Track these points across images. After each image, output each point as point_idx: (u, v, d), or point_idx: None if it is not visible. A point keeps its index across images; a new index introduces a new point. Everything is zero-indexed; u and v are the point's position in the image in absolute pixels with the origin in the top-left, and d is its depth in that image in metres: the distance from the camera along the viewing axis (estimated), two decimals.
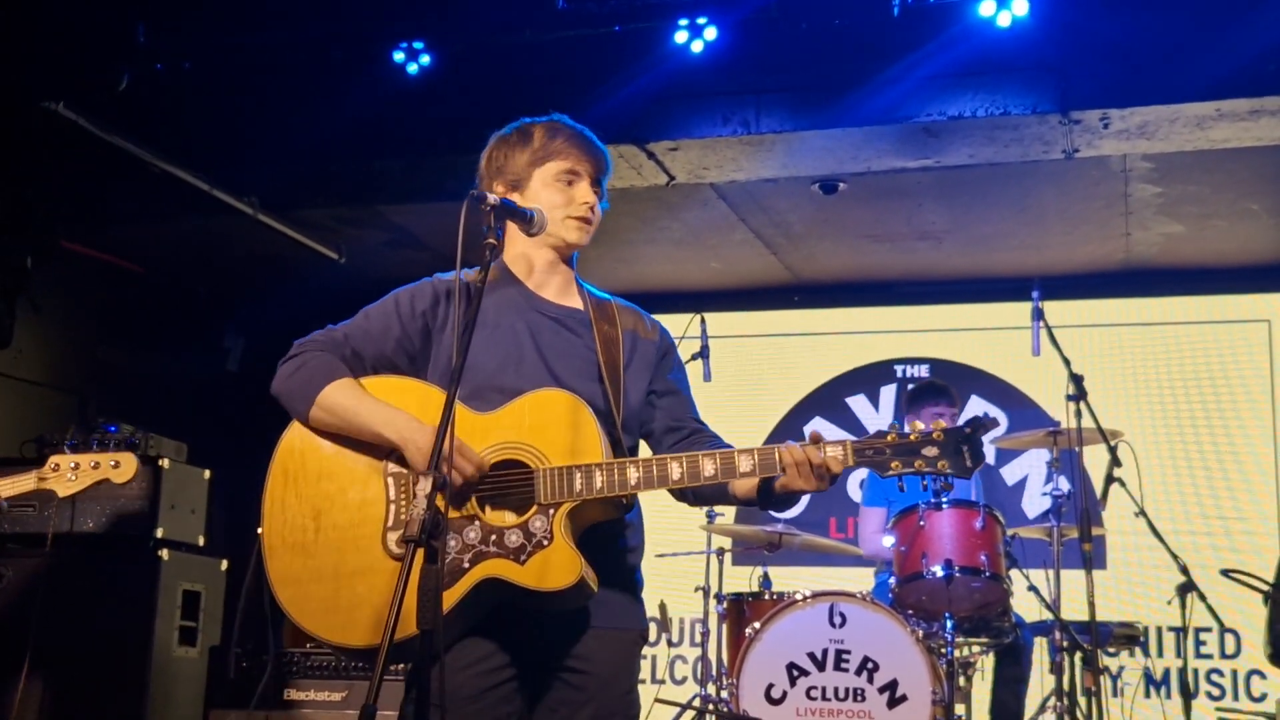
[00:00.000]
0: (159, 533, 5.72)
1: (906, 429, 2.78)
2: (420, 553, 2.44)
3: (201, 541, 6.06)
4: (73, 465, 3.87)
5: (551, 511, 2.75)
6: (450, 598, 2.70)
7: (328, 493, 2.96)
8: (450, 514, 2.69)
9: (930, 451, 2.72)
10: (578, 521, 2.82)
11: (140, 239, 7.78)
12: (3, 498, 3.90)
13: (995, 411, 8.35)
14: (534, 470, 2.79)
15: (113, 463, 3.88)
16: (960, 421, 2.75)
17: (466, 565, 2.74)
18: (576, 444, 2.80)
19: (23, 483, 3.90)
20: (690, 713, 6.29)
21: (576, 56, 6.06)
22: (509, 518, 2.78)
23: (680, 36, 5.96)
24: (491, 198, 2.81)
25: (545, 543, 2.73)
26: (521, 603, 2.77)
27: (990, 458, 8.30)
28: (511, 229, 3.03)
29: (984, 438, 2.76)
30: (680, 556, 6.57)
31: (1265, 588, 3.33)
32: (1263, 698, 7.62)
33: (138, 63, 6.31)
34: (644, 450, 3.06)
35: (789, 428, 8.62)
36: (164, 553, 5.72)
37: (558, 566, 2.71)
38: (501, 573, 2.74)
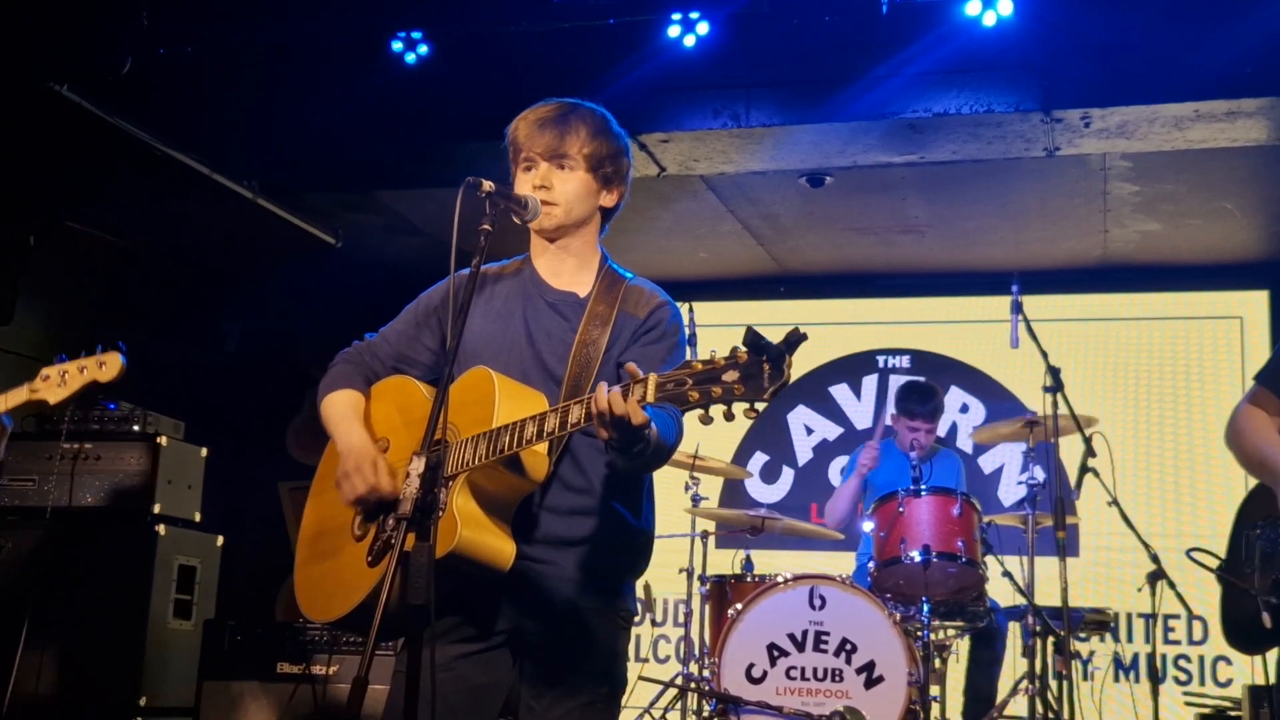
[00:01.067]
0: (156, 508, 5.72)
1: (714, 359, 2.51)
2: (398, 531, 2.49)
3: (197, 517, 6.06)
4: (62, 373, 3.89)
5: (449, 483, 2.74)
6: (376, 575, 2.71)
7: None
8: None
9: (730, 376, 2.44)
10: (489, 494, 2.79)
11: (141, 220, 7.77)
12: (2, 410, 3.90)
13: (973, 402, 8.44)
14: (447, 445, 2.78)
15: (99, 363, 3.88)
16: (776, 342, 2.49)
17: (394, 541, 2.72)
18: (484, 416, 2.77)
19: (16, 395, 3.90)
20: (672, 691, 6.30)
21: (571, 48, 6.06)
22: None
23: (673, 30, 5.97)
24: (487, 184, 2.80)
25: (440, 513, 2.71)
26: (470, 580, 2.76)
27: (968, 447, 8.32)
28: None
29: (789, 355, 2.41)
30: (665, 539, 6.57)
31: (1214, 564, 3.34)
32: (1228, 683, 7.66)
33: (141, 47, 6.30)
34: None
35: (771, 415, 8.62)
36: (160, 528, 5.72)
37: (440, 536, 2.65)
38: (410, 545, 2.72)
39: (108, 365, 3.88)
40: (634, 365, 2.56)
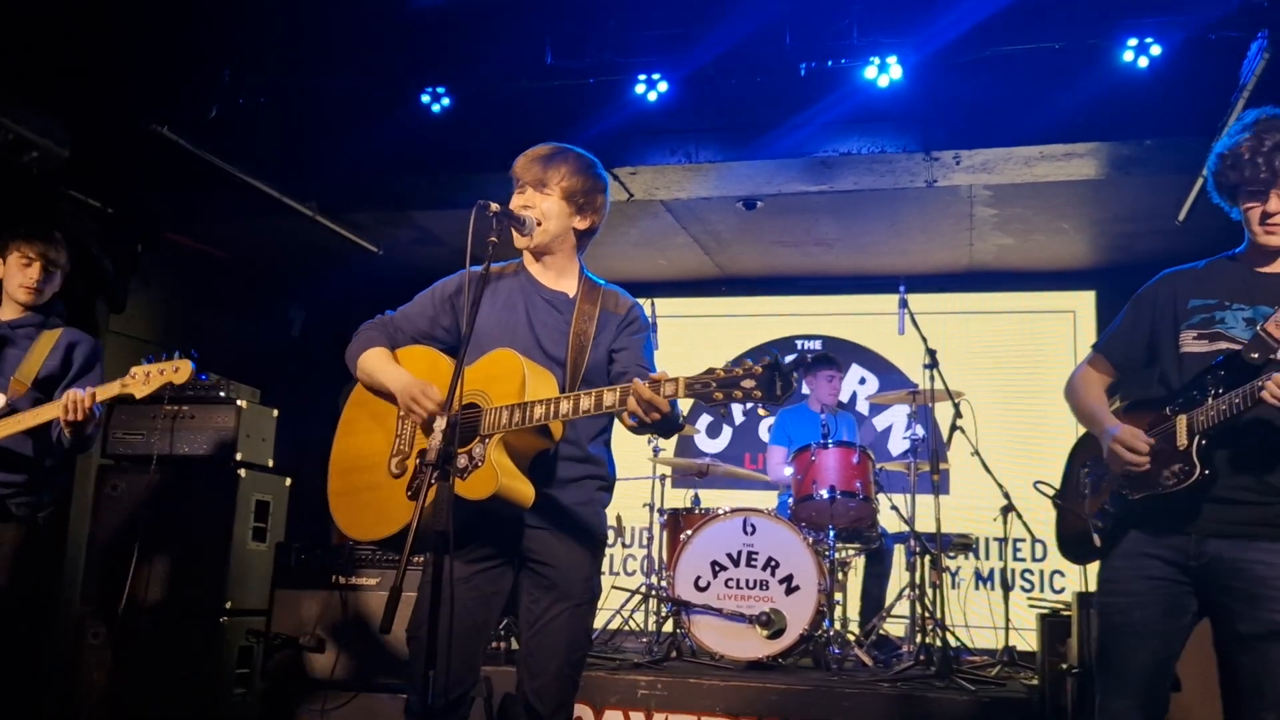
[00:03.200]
0: (238, 456, 5.69)
1: (734, 365, 2.54)
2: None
3: (270, 463, 6.03)
4: (146, 373, 3.87)
5: (487, 440, 2.75)
6: (415, 508, 2.71)
7: (367, 430, 3.00)
8: (423, 443, 2.82)
9: (748, 383, 2.48)
10: (517, 450, 2.79)
11: (225, 232, 7.72)
12: (98, 399, 3.87)
13: (869, 376, 8.48)
14: (482, 410, 2.79)
15: (174, 368, 3.87)
16: (787, 361, 2.59)
17: (432, 482, 2.72)
18: (513, 390, 2.78)
19: (110, 388, 3.89)
20: (638, 597, 6.33)
21: (560, 101, 6.03)
22: (461, 447, 2.78)
23: (639, 88, 5.95)
24: (494, 206, 2.81)
25: (479, 464, 2.73)
26: (488, 513, 2.76)
27: (865, 410, 8.37)
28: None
29: (794, 372, 2.50)
30: (633, 480, 6.61)
31: (1051, 493, 3.38)
32: (1062, 590, 7.76)
33: (224, 97, 6.25)
34: None
35: None
36: (242, 471, 5.69)
37: (482, 482, 2.71)
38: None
39: (180, 370, 3.87)
40: (664, 370, 2.61)
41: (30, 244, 4.19)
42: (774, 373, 2.48)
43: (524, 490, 2.77)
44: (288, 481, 6.13)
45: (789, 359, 2.51)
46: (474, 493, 2.70)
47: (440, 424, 2.54)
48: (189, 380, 3.90)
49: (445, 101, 6.23)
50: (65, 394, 3.88)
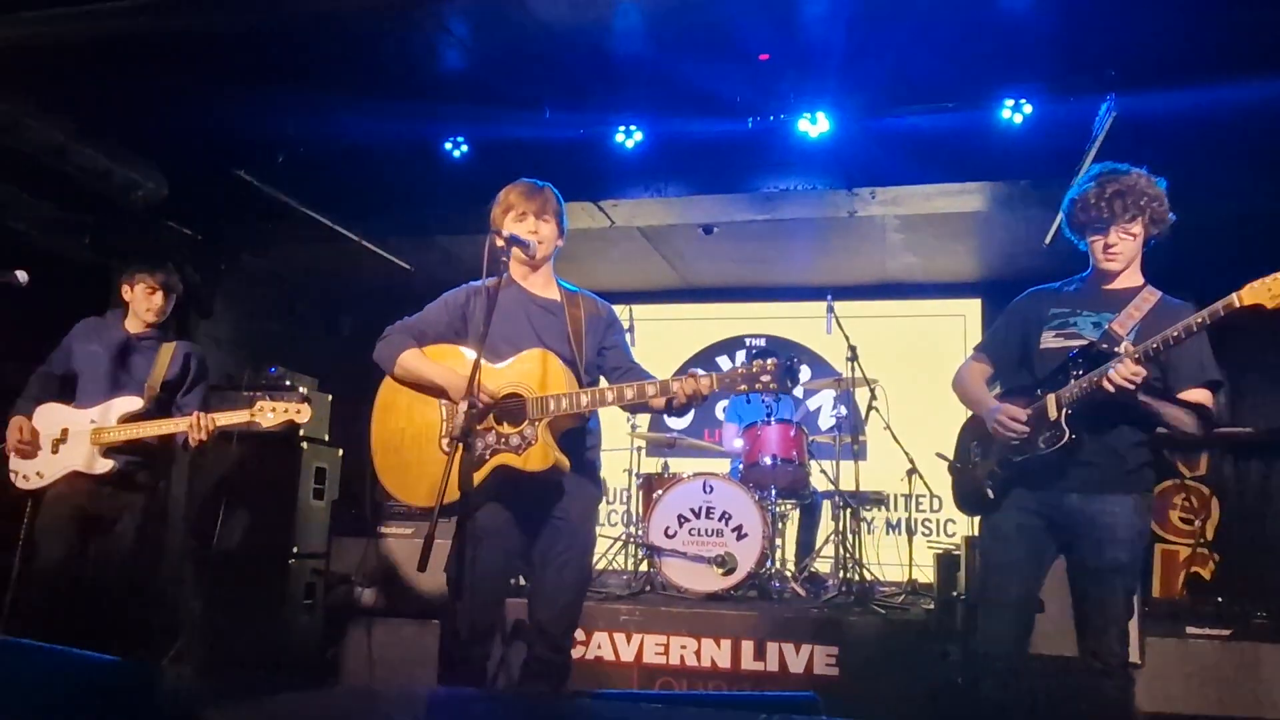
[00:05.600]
0: (301, 432, 5.68)
1: (753, 366, 2.69)
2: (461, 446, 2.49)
3: (327, 438, 6.03)
4: (273, 408, 3.86)
5: (537, 422, 2.77)
6: (478, 476, 2.73)
7: (407, 415, 3.00)
8: (479, 426, 2.80)
9: (765, 378, 2.64)
10: (555, 429, 2.83)
11: (288, 254, 7.68)
12: (224, 425, 3.88)
13: (803, 368, 8.51)
14: (526, 399, 2.81)
15: (298, 410, 3.87)
16: (789, 363, 2.67)
17: (487, 457, 2.75)
18: (550, 381, 2.82)
19: (239, 415, 3.89)
20: (619, 544, 6.36)
21: (557, 148, 6.05)
22: (512, 428, 2.80)
23: (619, 137, 5.98)
24: (505, 233, 2.84)
25: (533, 442, 2.75)
26: (523, 480, 2.79)
27: (800, 394, 8.41)
28: (516, 253, 3.02)
29: (797, 372, 2.68)
30: (615, 451, 6.62)
31: (948, 461, 3.45)
32: (954, 534, 7.83)
33: (289, 147, 6.24)
34: (603, 384, 3.10)
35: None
36: (304, 444, 5.69)
37: (539, 456, 2.74)
38: (508, 461, 2.76)
39: (303, 412, 3.87)
40: (696, 369, 2.74)
41: (154, 275, 4.25)
42: (784, 371, 2.64)
43: (565, 461, 2.83)
44: (340, 452, 6.13)
45: (792, 360, 2.67)
46: (532, 465, 2.74)
47: (463, 407, 2.56)
48: (308, 421, 3.90)
49: (464, 149, 6.25)
50: (195, 416, 3.88)
